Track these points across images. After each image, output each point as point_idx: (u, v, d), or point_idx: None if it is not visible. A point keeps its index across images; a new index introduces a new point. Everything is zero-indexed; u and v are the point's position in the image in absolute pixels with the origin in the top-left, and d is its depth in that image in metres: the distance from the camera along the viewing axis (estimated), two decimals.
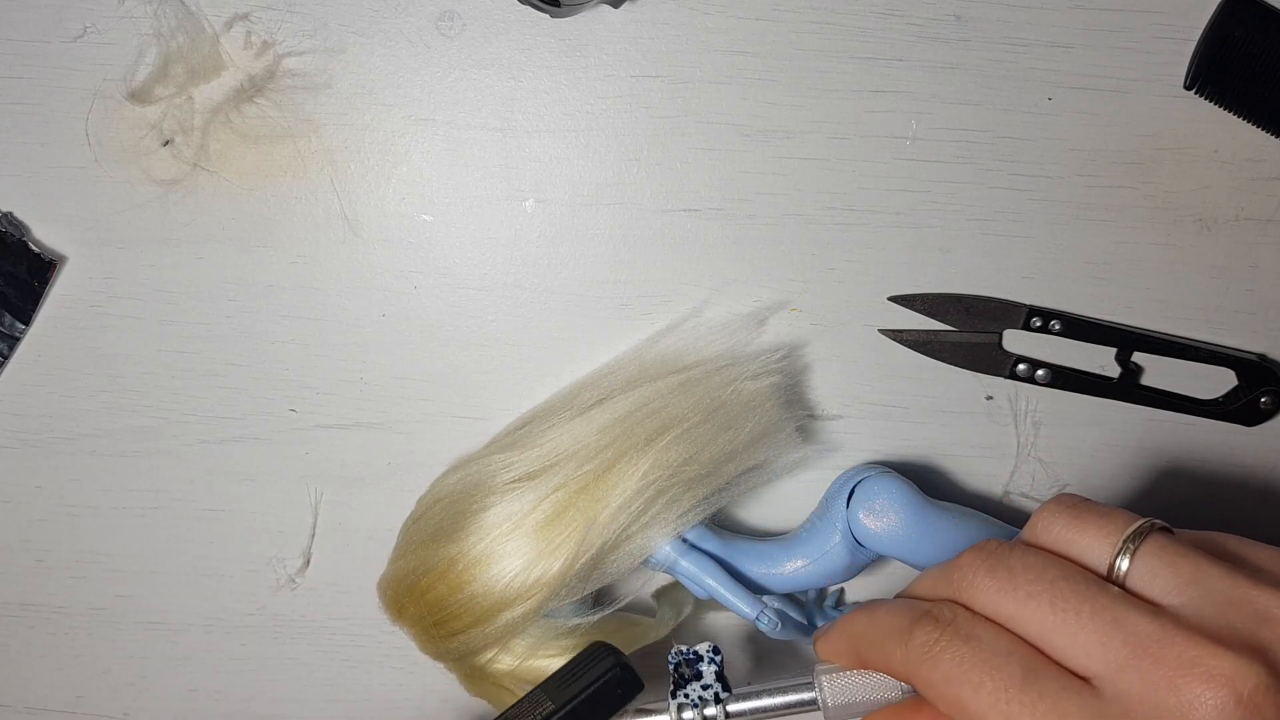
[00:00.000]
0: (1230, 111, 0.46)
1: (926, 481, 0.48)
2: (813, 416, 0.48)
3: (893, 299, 0.48)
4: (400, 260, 0.48)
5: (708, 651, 0.42)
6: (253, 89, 0.46)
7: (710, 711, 0.41)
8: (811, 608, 0.49)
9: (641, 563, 0.45)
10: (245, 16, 0.46)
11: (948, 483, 0.50)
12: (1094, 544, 0.34)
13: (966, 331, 0.48)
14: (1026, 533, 0.36)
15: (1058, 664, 0.33)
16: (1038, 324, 0.47)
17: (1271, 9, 0.45)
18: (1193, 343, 0.48)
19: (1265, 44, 0.44)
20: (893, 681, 0.38)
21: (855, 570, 0.46)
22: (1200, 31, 0.45)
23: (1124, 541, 0.34)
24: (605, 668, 0.42)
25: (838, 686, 0.39)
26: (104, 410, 0.49)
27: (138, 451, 0.49)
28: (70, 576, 0.50)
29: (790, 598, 0.48)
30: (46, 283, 0.47)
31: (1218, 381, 0.48)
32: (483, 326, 0.48)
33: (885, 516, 0.45)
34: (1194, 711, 0.30)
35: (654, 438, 0.44)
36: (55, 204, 0.47)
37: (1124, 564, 0.34)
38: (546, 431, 0.45)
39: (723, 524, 0.49)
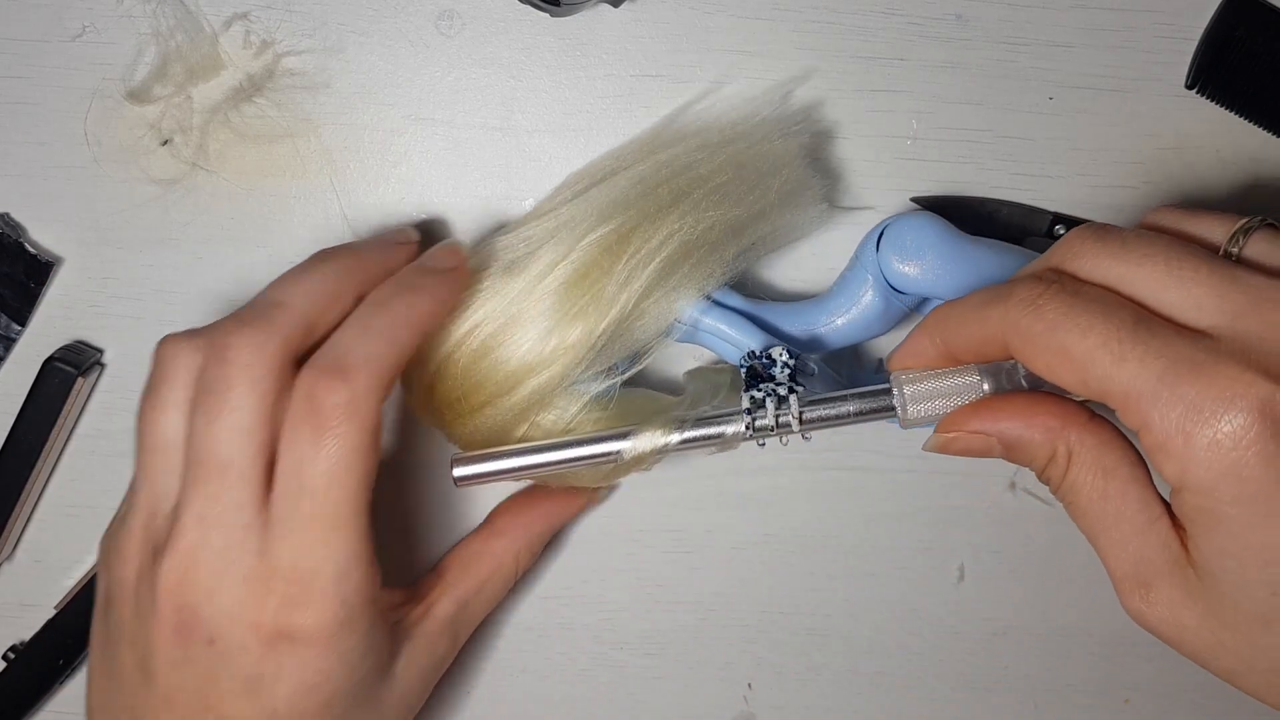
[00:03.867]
0: (1231, 111, 0.46)
1: None
2: (838, 180, 0.47)
3: (914, 199, 0.46)
4: None
5: (781, 354, 0.40)
6: (252, 88, 0.46)
7: (782, 413, 0.39)
8: (853, 371, 0.47)
9: (667, 334, 0.43)
10: (244, 16, 0.46)
11: None
12: (1205, 232, 0.35)
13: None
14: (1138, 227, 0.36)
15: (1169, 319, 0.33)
16: (1061, 232, 0.46)
17: (1272, 9, 0.45)
18: None
19: (1266, 44, 0.44)
20: (975, 383, 0.37)
21: (892, 319, 0.44)
22: (1201, 31, 0.45)
23: (1235, 232, 0.34)
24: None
25: (917, 391, 0.38)
26: (104, 410, 0.49)
27: None
28: (70, 577, 0.50)
29: (828, 360, 0.46)
30: (43, 284, 0.47)
31: None
32: None
33: (918, 256, 0.42)
34: None
35: (679, 197, 0.42)
36: (54, 204, 0.47)
37: (1235, 250, 0.34)
38: (562, 204, 0.43)
39: (753, 291, 0.46)
